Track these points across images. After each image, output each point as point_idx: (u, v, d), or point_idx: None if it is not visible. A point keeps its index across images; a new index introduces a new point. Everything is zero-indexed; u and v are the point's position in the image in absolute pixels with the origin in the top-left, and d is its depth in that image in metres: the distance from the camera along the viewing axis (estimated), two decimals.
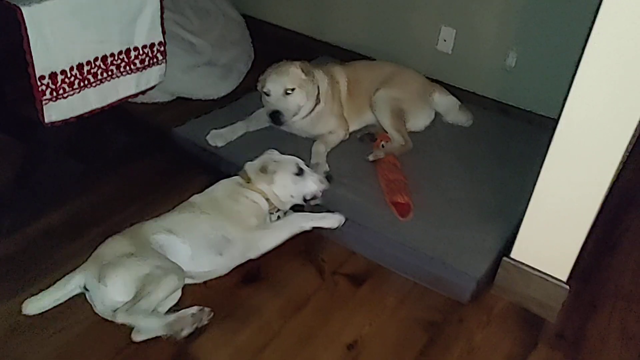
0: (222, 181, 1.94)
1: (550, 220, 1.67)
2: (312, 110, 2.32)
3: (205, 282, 1.78)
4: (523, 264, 1.77)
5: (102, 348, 1.56)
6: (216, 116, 2.49)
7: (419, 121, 2.51)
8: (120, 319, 1.52)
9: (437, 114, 2.59)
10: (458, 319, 1.76)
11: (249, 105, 2.53)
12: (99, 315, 1.60)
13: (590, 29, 1.38)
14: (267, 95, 2.23)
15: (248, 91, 2.75)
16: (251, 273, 1.85)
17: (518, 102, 2.69)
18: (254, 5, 3.42)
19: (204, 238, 1.73)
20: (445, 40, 2.76)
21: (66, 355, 1.54)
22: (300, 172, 1.91)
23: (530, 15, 2.48)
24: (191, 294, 1.72)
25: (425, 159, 2.32)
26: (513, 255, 1.79)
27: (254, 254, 1.83)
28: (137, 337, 1.56)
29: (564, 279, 1.72)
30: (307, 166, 2.00)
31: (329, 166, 2.19)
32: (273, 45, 3.29)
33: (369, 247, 1.93)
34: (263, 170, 1.88)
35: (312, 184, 1.92)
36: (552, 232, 1.68)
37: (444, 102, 2.60)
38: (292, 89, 2.21)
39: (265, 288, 1.80)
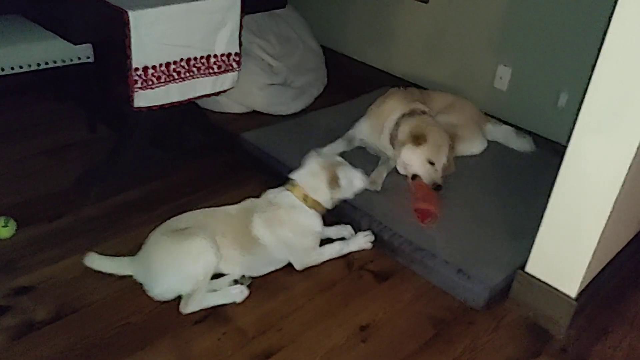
0: (279, 194, 1.98)
1: (559, 237, 1.79)
2: None
3: None
4: (535, 277, 1.89)
5: (147, 299, 1.83)
6: (278, 128, 2.81)
7: (470, 146, 2.70)
8: (186, 311, 1.78)
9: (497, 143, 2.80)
10: (468, 322, 1.90)
11: (309, 122, 2.85)
12: None
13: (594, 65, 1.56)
14: (432, 164, 2.32)
15: (313, 111, 3.09)
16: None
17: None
18: (332, 38, 3.77)
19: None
20: (501, 78, 2.94)
21: (120, 298, 1.84)
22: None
23: (580, 58, 2.61)
24: None
25: (465, 182, 2.49)
26: (527, 269, 1.91)
27: (297, 267, 2.01)
28: (186, 310, 1.78)
29: (573, 295, 1.82)
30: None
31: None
32: (345, 74, 3.62)
33: (396, 249, 2.12)
34: (333, 183, 1.95)
35: (359, 183, 2.05)
36: (562, 248, 1.80)
37: (498, 132, 2.79)
38: None
39: (297, 272, 2.02)
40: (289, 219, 1.94)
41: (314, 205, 1.98)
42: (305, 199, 1.97)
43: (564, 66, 2.71)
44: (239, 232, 1.91)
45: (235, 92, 2.89)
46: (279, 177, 2.39)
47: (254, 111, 3.15)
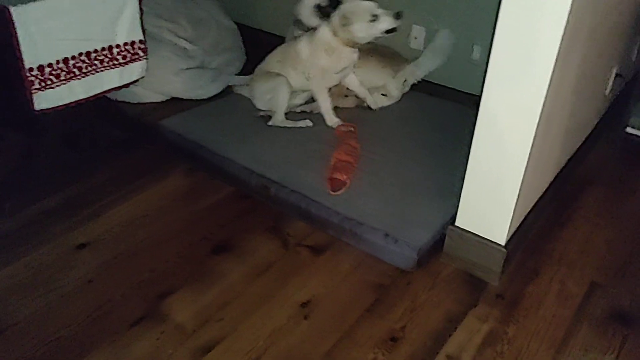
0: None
1: (483, 188, 1.83)
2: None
3: (178, 252, 2.00)
4: (465, 230, 1.93)
5: (84, 305, 1.77)
6: (198, 112, 2.73)
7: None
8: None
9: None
10: (406, 283, 1.93)
11: (230, 102, 2.78)
12: None
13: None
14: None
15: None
16: (221, 245, 2.05)
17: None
18: (246, 14, 3.67)
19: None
20: (416, 38, 2.95)
21: (48, 313, 1.74)
22: (374, 18, 2.34)
23: (490, 10, 2.65)
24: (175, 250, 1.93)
25: (386, 143, 2.50)
26: (457, 223, 1.95)
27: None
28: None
29: (502, 242, 1.88)
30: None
31: None
32: (263, 49, 3.51)
33: (325, 222, 2.11)
34: (343, 23, 2.34)
35: (385, 23, 2.37)
36: (487, 199, 1.84)
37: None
38: None
39: (232, 258, 1.99)
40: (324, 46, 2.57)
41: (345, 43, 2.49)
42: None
43: (475, 19, 2.75)
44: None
45: (151, 81, 2.78)
46: (203, 163, 2.34)
47: (174, 98, 3.03)
